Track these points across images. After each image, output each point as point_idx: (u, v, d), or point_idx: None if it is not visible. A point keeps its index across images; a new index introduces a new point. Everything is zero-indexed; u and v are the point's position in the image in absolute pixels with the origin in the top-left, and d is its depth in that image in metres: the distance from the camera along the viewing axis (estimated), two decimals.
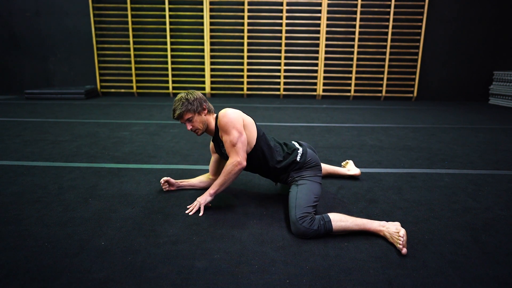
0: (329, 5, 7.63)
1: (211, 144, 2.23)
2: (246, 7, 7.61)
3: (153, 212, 1.98)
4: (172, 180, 2.27)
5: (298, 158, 2.01)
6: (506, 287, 1.37)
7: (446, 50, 7.85)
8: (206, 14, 7.65)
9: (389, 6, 7.59)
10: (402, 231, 1.62)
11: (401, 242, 1.58)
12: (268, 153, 2.00)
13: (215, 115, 2.07)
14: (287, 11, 7.70)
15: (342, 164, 2.76)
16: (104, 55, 7.99)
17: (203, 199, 1.97)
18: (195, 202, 2.00)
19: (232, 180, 1.95)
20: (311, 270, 1.46)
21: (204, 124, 2.02)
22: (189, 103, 1.96)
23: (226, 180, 1.93)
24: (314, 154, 2.11)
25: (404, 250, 1.57)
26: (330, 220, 1.70)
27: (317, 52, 7.89)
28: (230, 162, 1.90)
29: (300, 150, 2.06)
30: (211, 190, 1.97)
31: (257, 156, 2.00)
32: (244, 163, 1.91)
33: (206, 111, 2.04)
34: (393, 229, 1.67)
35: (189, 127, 2.00)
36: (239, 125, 1.89)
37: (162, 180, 2.24)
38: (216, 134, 2.05)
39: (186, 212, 1.97)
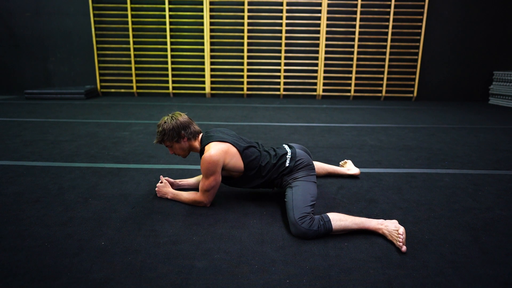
0: (329, 5, 7.63)
1: None
2: (246, 7, 7.61)
3: (153, 212, 1.98)
4: (171, 180, 2.28)
5: (287, 164, 2.02)
6: (506, 287, 1.37)
7: (446, 50, 7.85)
8: (206, 14, 7.65)
9: (389, 6, 7.59)
10: (401, 229, 1.63)
11: (400, 239, 1.60)
12: (257, 175, 2.03)
13: (200, 135, 2.09)
14: (287, 11, 7.70)
15: (340, 163, 2.76)
16: (104, 55, 7.99)
17: (166, 195, 2.16)
18: (162, 192, 2.17)
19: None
20: (311, 270, 1.46)
21: (185, 150, 2.07)
22: (165, 133, 1.99)
23: (188, 203, 2.09)
24: (305, 154, 2.12)
25: (404, 248, 1.58)
26: (329, 220, 1.71)
27: (317, 52, 7.89)
28: (199, 199, 2.04)
29: (289, 154, 2.06)
30: (174, 195, 2.13)
31: (245, 179, 2.05)
32: (208, 205, 2.07)
33: (185, 139, 2.03)
34: (392, 227, 1.68)
35: (170, 151, 2.09)
36: (217, 172, 1.92)
37: (161, 180, 2.22)
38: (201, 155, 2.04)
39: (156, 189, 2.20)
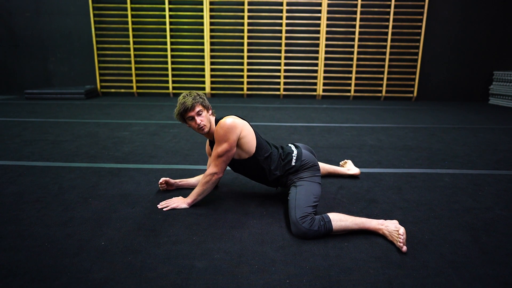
0: (329, 5, 7.63)
1: (207, 147, 2.24)
2: (246, 7, 7.61)
3: (153, 212, 1.98)
4: (171, 180, 2.28)
5: (293, 163, 2.03)
6: (506, 287, 1.37)
7: (446, 50, 7.86)
8: (206, 14, 7.65)
9: (389, 6, 7.59)
10: (402, 229, 1.63)
11: (401, 240, 1.59)
12: (265, 164, 2.02)
13: (214, 117, 2.08)
14: (287, 11, 7.70)
15: (340, 163, 2.76)
16: (104, 55, 7.99)
17: (179, 205, 2.01)
18: (172, 203, 2.02)
19: (210, 190, 2.04)
20: (311, 270, 1.46)
21: (210, 123, 2.01)
22: (201, 97, 1.97)
23: (204, 190, 2.01)
24: (311, 154, 2.12)
25: (404, 248, 1.58)
26: (330, 220, 1.70)
27: (317, 52, 7.89)
28: (208, 172, 1.98)
29: (295, 153, 2.07)
30: (189, 200, 2.03)
31: (254, 165, 2.03)
32: (221, 175, 2.00)
33: (211, 111, 2.05)
34: (392, 227, 1.68)
35: (198, 120, 1.94)
36: (232, 140, 1.89)
37: (161, 180, 2.25)
38: (213, 138, 2.04)
39: (159, 206, 2.03)
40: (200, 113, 1.95)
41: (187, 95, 1.96)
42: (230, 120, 1.90)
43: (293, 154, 2.06)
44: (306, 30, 7.81)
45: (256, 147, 1.98)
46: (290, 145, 2.20)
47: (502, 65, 7.83)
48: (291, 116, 5.51)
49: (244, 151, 1.98)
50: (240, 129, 1.91)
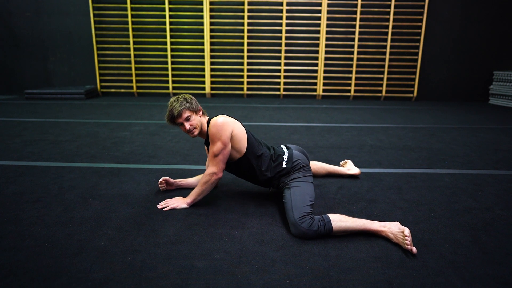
0: (329, 5, 7.63)
1: (205, 146, 2.25)
2: (246, 7, 7.61)
3: (153, 212, 1.98)
4: (171, 180, 2.28)
5: (284, 165, 2.03)
6: (506, 287, 1.37)
7: (446, 50, 7.85)
8: (206, 14, 7.65)
9: (389, 6, 7.59)
10: (407, 230, 1.61)
11: (408, 242, 1.57)
12: (256, 164, 2.03)
13: (207, 117, 2.09)
14: (287, 11, 7.70)
15: (341, 163, 2.76)
16: (104, 55, 7.99)
17: (179, 205, 2.02)
18: (172, 203, 2.03)
19: (209, 190, 2.04)
20: (311, 270, 1.46)
21: (200, 125, 2.03)
22: (187, 102, 2.00)
23: (203, 190, 2.02)
24: (302, 155, 2.12)
25: (414, 250, 1.56)
26: (330, 221, 1.70)
27: (317, 52, 7.89)
28: (207, 172, 1.99)
29: (286, 155, 2.07)
30: (188, 199, 2.04)
31: (245, 165, 2.04)
32: (221, 175, 2.00)
33: (201, 112, 2.07)
34: (396, 229, 1.66)
35: (187, 126, 1.98)
36: (225, 137, 1.91)
37: (161, 179, 2.25)
38: (207, 138, 2.06)
39: (158, 206, 2.03)
40: (189, 118, 1.98)
41: (174, 101, 2.00)
42: (221, 119, 1.94)
43: (284, 156, 2.06)
44: (306, 30, 7.80)
45: (247, 146, 1.99)
46: (281, 146, 2.20)
47: (502, 65, 7.83)
48: (291, 116, 5.51)
49: (235, 150, 1.99)
50: (231, 126, 1.94)
